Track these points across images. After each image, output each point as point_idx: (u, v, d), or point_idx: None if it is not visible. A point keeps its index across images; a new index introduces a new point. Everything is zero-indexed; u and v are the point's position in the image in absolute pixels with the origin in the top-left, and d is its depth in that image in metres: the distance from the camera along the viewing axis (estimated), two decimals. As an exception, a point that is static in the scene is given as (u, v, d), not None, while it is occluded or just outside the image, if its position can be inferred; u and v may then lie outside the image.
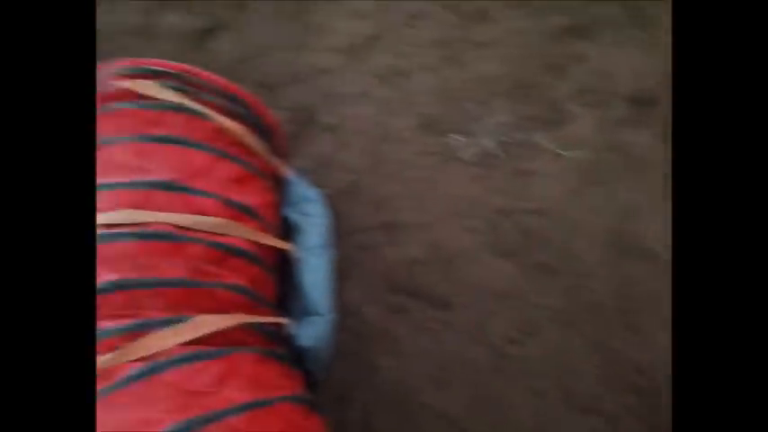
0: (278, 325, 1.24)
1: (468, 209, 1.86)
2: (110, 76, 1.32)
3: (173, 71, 1.34)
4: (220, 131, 1.31)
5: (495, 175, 1.93)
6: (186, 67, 1.37)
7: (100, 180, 1.16)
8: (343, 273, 1.69)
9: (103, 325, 0.98)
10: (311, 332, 1.27)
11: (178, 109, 1.26)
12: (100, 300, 1.00)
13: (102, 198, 1.13)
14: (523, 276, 1.74)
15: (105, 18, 2.26)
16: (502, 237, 1.81)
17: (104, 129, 1.24)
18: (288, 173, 1.53)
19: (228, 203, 1.24)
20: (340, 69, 2.13)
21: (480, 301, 1.70)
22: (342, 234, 1.76)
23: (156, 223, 1.11)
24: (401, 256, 1.78)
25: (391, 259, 1.77)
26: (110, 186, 1.15)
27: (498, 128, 2.01)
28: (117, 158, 1.19)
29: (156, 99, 1.25)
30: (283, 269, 1.42)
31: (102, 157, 1.20)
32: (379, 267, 1.76)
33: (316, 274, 1.40)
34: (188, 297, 1.07)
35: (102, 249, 1.07)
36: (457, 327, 1.66)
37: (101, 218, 1.10)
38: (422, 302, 1.69)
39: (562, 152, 1.96)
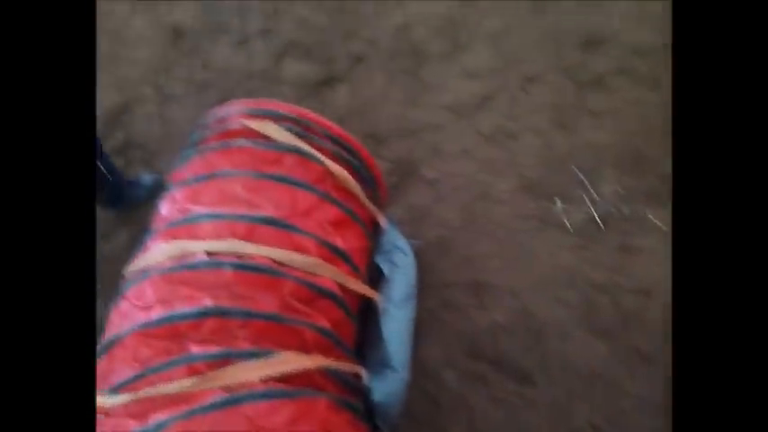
0: (354, 374, 1.24)
1: (563, 279, 1.78)
2: (235, 114, 1.43)
3: (292, 115, 1.43)
4: (328, 174, 1.36)
5: (596, 248, 1.84)
6: (305, 111, 1.46)
7: (210, 210, 1.24)
8: (424, 329, 1.67)
9: (192, 349, 1.03)
10: (384, 387, 1.26)
11: (293, 151, 1.33)
12: (193, 324, 1.05)
13: (209, 227, 1.21)
14: (617, 360, 1.62)
15: (237, 62, 2.47)
16: (597, 314, 1.71)
17: (223, 162, 1.34)
18: (383, 221, 1.56)
19: (325, 245, 1.27)
20: (447, 126, 2.16)
21: (566, 381, 1.59)
22: (428, 288, 1.75)
23: (257, 256, 1.16)
24: (486, 320, 1.72)
25: (476, 322, 1.72)
26: (219, 216, 1.23)
27: (604, 198, 1.93)
28: (230, 191, 1.28)
29: (275, 140, 1.34)
30: (366, 316, 1.42)
31: (216, 188, 1.29)
32: (462, 329, 1.71)
33: (397, 326, 1.39)
34: (276, 332, 1.10)
35: (203, 275, 1.13)
36: (538, 405, 1.56)
37: (205, 245, 1.17)
38: (503, 373, 1.62)
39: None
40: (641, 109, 2.11)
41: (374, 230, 1.54)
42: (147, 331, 1.06)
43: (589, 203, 1.92)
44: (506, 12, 2.42)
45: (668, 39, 2.18)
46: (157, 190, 2.19)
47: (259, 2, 2.73)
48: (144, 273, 1.18)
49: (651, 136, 2.05)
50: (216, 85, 2.40)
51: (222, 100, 1.64)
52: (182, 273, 1.12)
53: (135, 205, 2.19)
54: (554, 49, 2.27)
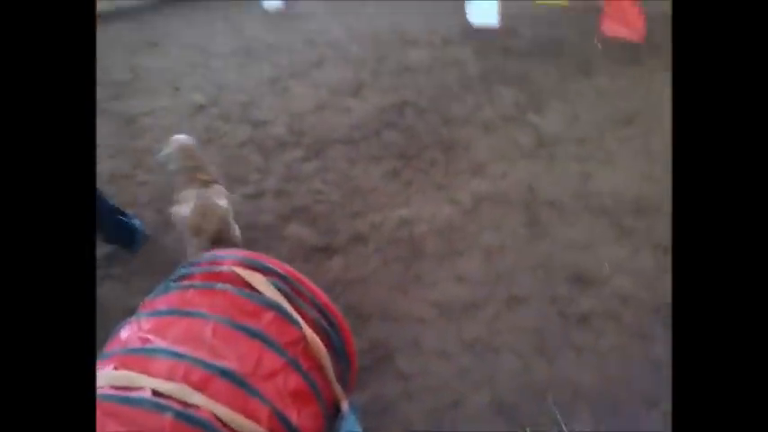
0: None
1: None
2: (228, 260, 1.42)
3: (283, 273, 1.42)
4: (302, 340, 1.30)
5: (561, 494, 1.68)
6: (296, 273, 1.45)
7: (171, 346, 1.16)
8: None
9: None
10: None
11: (274, 307, 1.30)
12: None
13: (164, 364, 1.12)
14: None
15: (245, 212, 2.55)
16: None
17: (200, 302, 1.29)
18: (345, 406, 1.45)
19: (278, 416, 1.16)
20: (431, 322, 2.14)
21: None
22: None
23: (204, 409, 1.05)
24: None
25: None
26: (177, 356, 1.14)
27: (576, 440, 1.81)
28: (197, 333, 1.21)
29: (260, 293, 1.31)
30: None
31: (185, 326, 1.22)
32: None
33: None
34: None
35: (139, 415, 1.01)
36: None
37: (153, 383, 1.07)
38: None
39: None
40: (624, 357, 2.10)
41: (333, 412, 1.42)
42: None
43: (561, 442, 1.80)
44: (504, 230, 2.57)
45: (657, 295, 2.26)
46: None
47: (282, 167, 2.93)
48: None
49: (631, 387, 2.00)
50: (217, 228, 2.44)
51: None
52: (118, 405, 1.00)
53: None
54: (544, 277, 2.35)
